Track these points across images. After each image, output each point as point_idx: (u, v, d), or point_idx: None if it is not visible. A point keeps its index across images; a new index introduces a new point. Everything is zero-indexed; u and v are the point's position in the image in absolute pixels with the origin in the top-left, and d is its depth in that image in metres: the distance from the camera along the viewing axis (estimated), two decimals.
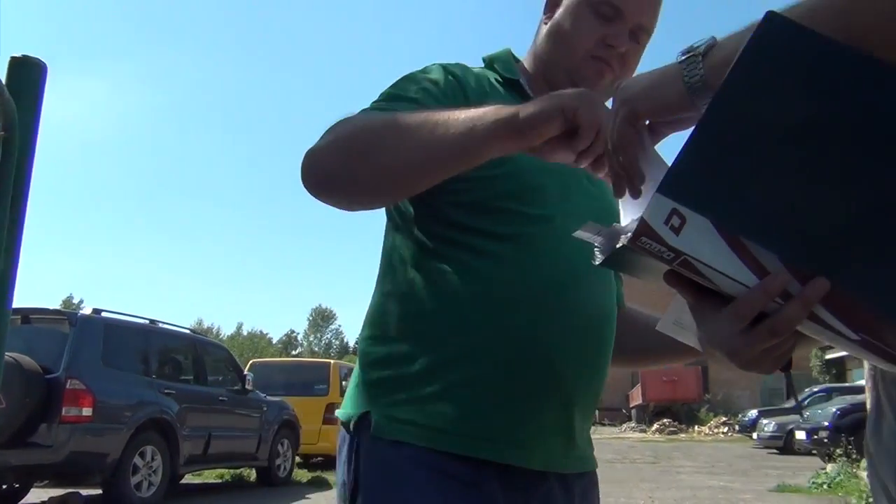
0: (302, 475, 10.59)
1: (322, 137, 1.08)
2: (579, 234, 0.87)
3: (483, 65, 1.31)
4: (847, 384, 20.07)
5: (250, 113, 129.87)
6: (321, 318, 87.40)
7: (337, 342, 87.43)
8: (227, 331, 78.41)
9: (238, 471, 10.06)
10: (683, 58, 0.74)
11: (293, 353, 77.43)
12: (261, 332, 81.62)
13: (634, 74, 1.25)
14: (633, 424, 27.29)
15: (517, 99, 1.21)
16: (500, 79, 1.27)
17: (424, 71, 1.22)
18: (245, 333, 78.23)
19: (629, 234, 0.66)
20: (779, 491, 9.52)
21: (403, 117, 1.05)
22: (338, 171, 1.07)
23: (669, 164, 0.66)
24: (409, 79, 1.20)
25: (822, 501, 8.72)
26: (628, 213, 0.85)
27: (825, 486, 9.51)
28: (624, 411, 30.30)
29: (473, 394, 1.10)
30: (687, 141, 0.62)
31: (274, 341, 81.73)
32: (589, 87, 1.17)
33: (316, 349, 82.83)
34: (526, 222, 1.16)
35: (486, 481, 1.10)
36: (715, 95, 0.62)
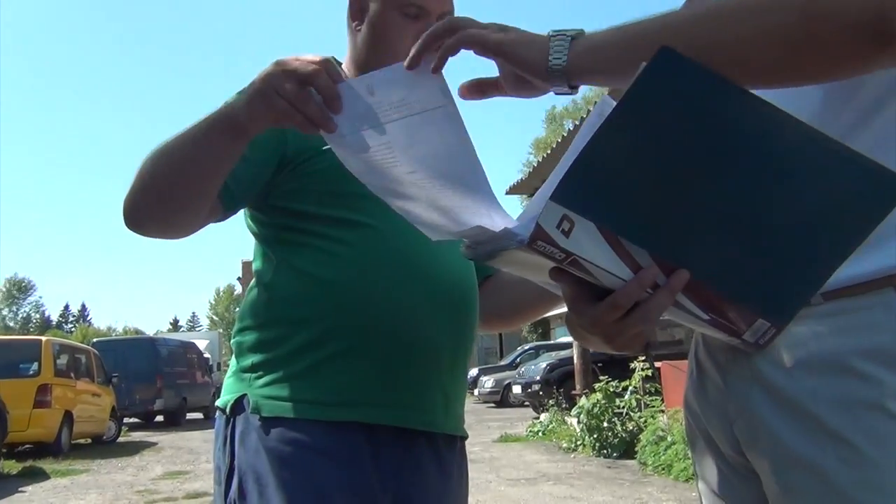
0: (11, 466, 9.41)
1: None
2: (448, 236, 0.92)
3: None
4: (552, 342, 22.47)
5: None
6: (17, 290, 77.84)
7: (37, 316, 78.69)
8: None
9: None
10: (554, 35, 0.80)
11: None
12: None
13: None
14: None
15: None
16: None
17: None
18: None
19: (522, 238, 0.73)
20: (502, 441, 10.54)
21: (166, 145, 1.12)
22: (138, 212, 1.16)
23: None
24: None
25: (538, 447, 9.78)
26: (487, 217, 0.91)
27: (540, 434, 10.69)
28: None
29: (342, 365, 1.18)
30: (577, 155, 0.70)
31: None
32: None
33: (11, 324, 73.67)
34: (369, 202, 1.20)
35: (356, 451, 1.16)
36: (606, 118, 0.70)
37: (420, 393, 1.22)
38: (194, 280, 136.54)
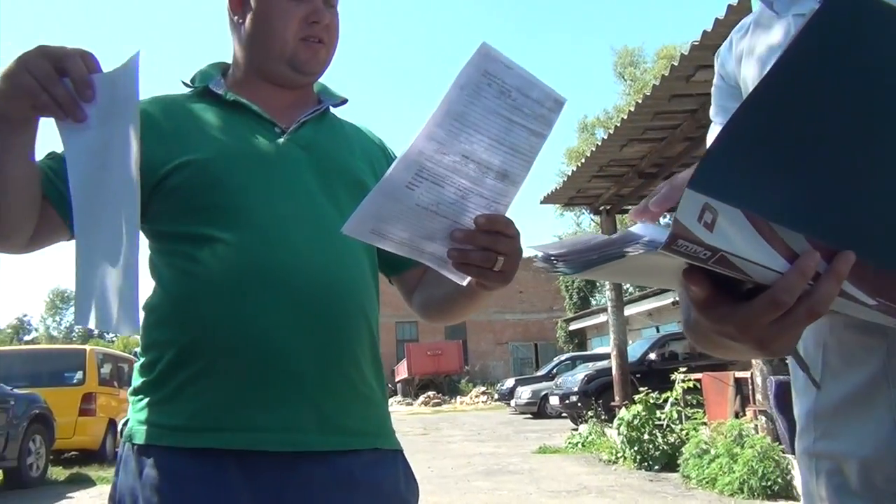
0: (58, 473, 9.60)
1: None
2: (532, 250, 0.82)
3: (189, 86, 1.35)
4: (588, 352, 22.28)
5: None
6: (60, 300, 79.63)
7: (80, 326, 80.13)
8: None
9: None
10: None
11: (26, 338, 69.88)
12: None
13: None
14: (400, 398, 27.98)
15: (209, 104, 1.29)
16: (192, 94, 1.32)
17: None
18: None
19: (655, 241, 0.63)
20: (541, 452, 10.40)
21: None
22: None
23: None
24: None
25: (578, 459, 9.67)
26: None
27: (580, 446, 10.55)
28: (390, 386, 31.10)
29: (198, 388, 1.15)
30: (719, 135, 0.60)
31: (1, 327, 73.08)
32: (309, 70, 1.30)
33: (55, 333, 75.38)
34: (226, 215, 1.20)
35: (228, 475, 1.12)
36: (768, 73, 0.60)
37: (280, 412, 1.14)
38: None
